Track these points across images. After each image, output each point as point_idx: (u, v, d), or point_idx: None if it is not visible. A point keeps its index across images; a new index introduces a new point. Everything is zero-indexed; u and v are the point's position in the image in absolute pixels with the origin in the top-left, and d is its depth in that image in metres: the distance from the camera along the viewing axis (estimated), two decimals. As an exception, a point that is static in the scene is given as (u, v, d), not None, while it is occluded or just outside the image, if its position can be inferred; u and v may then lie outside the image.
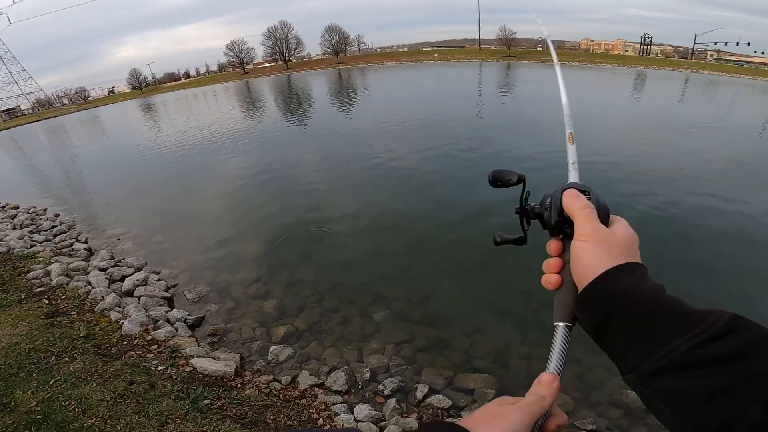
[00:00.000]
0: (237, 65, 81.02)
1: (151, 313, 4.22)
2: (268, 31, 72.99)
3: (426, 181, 7.73)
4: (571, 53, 64.19)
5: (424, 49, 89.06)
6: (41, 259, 5.64)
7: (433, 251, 5.28)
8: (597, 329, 0.44)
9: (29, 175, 15.36)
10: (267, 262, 5.45)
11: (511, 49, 62.73)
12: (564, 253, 0.50)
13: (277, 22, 76.64)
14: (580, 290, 0.46)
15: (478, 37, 74.35)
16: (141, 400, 2.73)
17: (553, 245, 0.51)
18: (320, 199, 7.49)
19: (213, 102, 36.39)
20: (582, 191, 0.51)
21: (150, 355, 3.46)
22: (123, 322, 3.90)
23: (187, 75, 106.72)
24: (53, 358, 3.23)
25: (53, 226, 7.62)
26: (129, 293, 4.73)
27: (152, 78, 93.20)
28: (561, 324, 0.48)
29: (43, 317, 3.92)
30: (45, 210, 8.89)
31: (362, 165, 9.16)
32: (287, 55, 74.40)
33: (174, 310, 4.39)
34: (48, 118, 63.01)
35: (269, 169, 9.79)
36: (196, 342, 3.81)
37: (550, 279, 0.50)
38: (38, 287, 4.70)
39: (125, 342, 3.67)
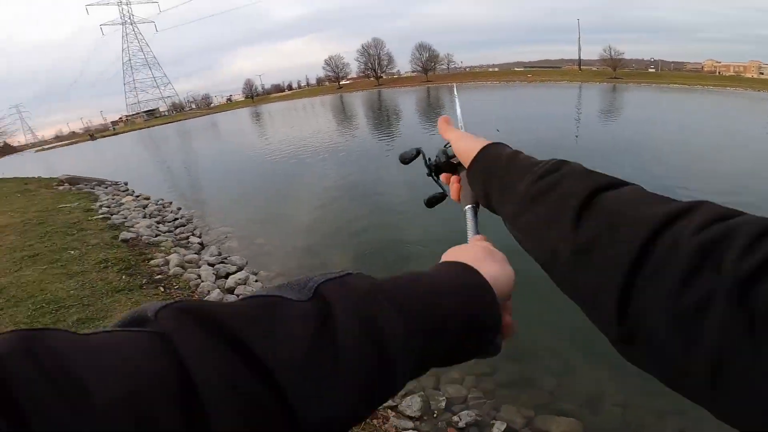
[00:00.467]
0: (333, 80, 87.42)
1: None
2: (362, 47, 77.60)
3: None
4: (693, 76, 56.29)
5: (516, 69, 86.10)
6: (163, 248, 6.45)
7: (524, 283, 4.80)
8: (485, 199, 0.54)
9: (160, 170, 18.21)
10: (356, 269, 5.53)
11: (618, 71, 57.03)
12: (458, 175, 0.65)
13: (371, 39, 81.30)
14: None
15: (577, 57, 69.46)
16: None
17: (451, 177, 0.67)
18: (408, 218, 7.45)
19: (311, 114, 39.60)
20: None
21: None
22: None
23: (290, 87, 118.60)
24: None
25: (175, 219, 8.79)
26: (230, 291, 5.11)
27: (262, 88, 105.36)
28: (467, 206, 0.61)
29: None
30: (171, 203, 10.35)
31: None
32: (379, 71, 78.03)
33: None
34: (179, 120, 74.94)
35: (362, 183, 10.12)
36: None
37: (454, 190, 0.65)
38: (157, 275, 5.32)
39: None
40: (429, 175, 0.68)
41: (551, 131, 14.22)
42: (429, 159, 0.68)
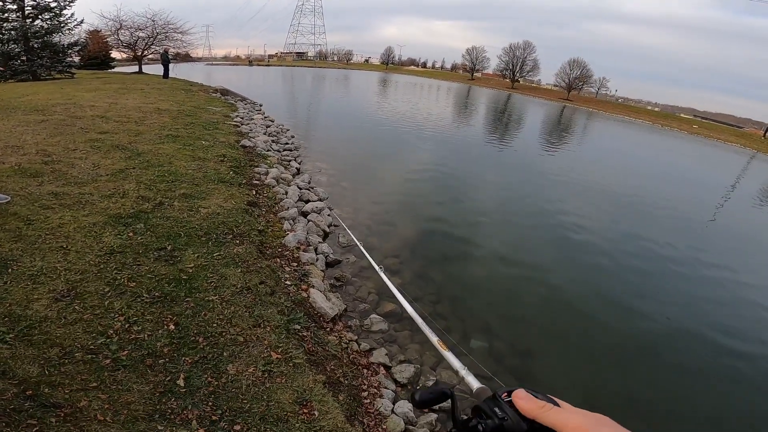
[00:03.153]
0: (467, 69, 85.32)
1: (309, 238, 4.98)
2: (510, 47, 73.61)
3: (598, 259, 6.62)
4: None
5: (683, 115, 73.37)
6: (269, 161, 7.52)
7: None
8: None
9: (290, 102, 20.45)
10: (413, 247, 5.82)
11: None
12: None
13: (522, 40, 76.43)
14: None
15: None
16: (257, 298, 3.19)
17: None
18: (483, 219, 7.43)
19: (434, 96, 39.70)
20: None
21: (288, 269, 4.02)
22: (288, 234, 4.72)
23: (424, 65, 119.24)
24: (230, 236, 4.01)
25: (286, 142, 10.06)
26: (305, 214, 5.83)
27: (398, 58, 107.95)
28: None
29: (245, 204, 4.99)
30: (288, 130, 11.81)
31: (544, 214, 8.42)
32: (518, 74, 73.75)
33: (324, 244, 5.09)
34: (320, 66, 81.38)
35: (452, 175, 10.17)
36: (323, 278, 4.31)
37: None
38: (255, 180, 6.25)
39: (279, 249, 4.35)
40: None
41: (688, 201, 12.20)
42: (461, 414, 0.49)
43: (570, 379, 3.82)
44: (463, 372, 0.58)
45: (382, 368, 3.33)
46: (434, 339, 0.70)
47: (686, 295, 5.74)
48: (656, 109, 79.15)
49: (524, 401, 0.45)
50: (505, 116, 29.60)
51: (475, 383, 0.53)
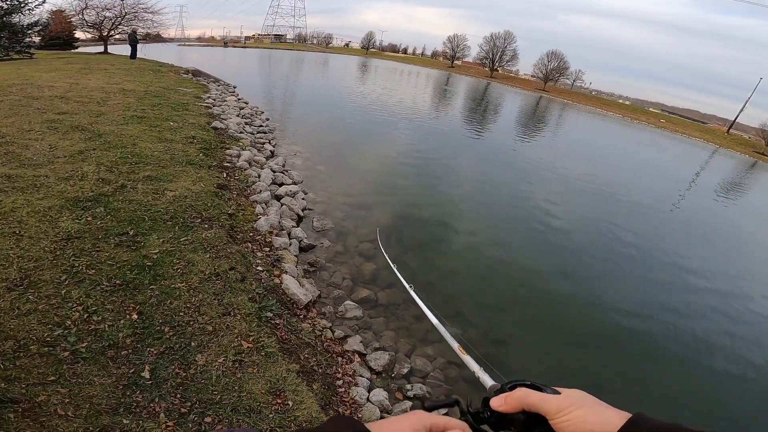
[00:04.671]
0: (447, 57, 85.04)
1: (282, 222, 4.85)
2: (491, 36, 73.79)
3: (567, 241, 6.84)
4: None
5: (651, 109, 76.25)
6: (241, 144, 7.25)
7: (537, 303, 4.73)
8: None
9: (266, 84, 19.74)
10: (388, 232, 5.79)
11: None
12: None
13: (503, 30, 76.71)
14: None
15: (732, 119, 58.71)
16: (227, 285, 3.06)
17: None
18: (459, 205, 7.49)
19: (413, 82, 39.39)
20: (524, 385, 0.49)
21: (259, 254, 3.88)
22: (260, 218, 4.57)
23: (405, 51, 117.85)
24: (199, 220, 3.84)
25: (260, 125, 9.73)
26: (278, 198, 5.68)
27: (379, 44, 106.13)
28: None
29: (214, 186, 4.78)
30: (263, 112, 11.42)
31: (516, 197, 8.67)
32: (497, 63, 74.20)
33: (298, 229, 4.97)
34: (299, 50, 78.84)
35: (429, 160, 10.18)
36: (296, 263, 4.19)
37: None
38: (226, 162, 6.01)
39: (251, 234, 4.21)
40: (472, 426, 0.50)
41: (649, 192, 12.75)
42: (473, 410, 0.53)
43: (541, 363, 3.95)
44: (479, 372, 0.69)
45: (356, 356, 3.31)
46: (455, 345, 0.78)
47: (648, 281, 6.04)
48: (627, 102, 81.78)
49: (497, 404, 0.49)
50: (483, 105, 29.81)
51: (489, 381, 0.61)
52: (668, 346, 4.49)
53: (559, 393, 0.47)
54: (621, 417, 0.41)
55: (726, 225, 10.86)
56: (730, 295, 6.13)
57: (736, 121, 57.37)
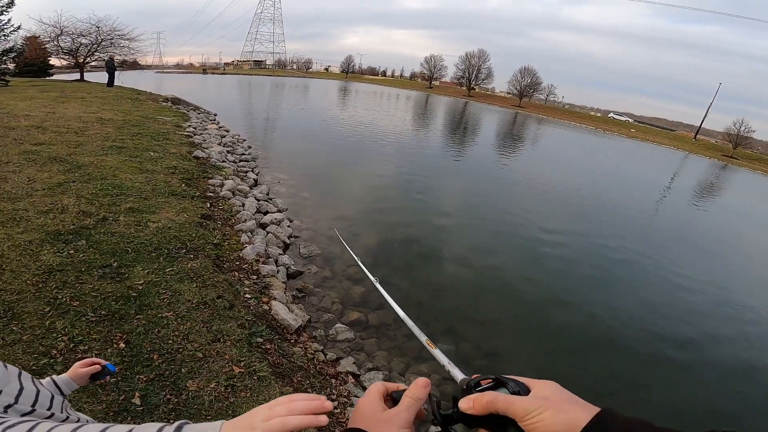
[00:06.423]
0: (426, 78, 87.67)
1: (269, 250, 4.87)
2: (466, 55, 76.59)
3: (550, 250, 7.05)
4: None
5: (621, 119, 79.87)
6: (224, 173, 7.28)
7: (530, 320, 4.83)
8: None
9: (247, 111, 19.92)
10: (375, 255, 5.86)
11: (738, 150, 48.95)
12: None
13: (477, 49, 79.79)
14: None
15: (698, 125, 61.90)
16: (215, 313, 3.07)
17: None
18: (447, 224, 7.63)
19: (394, 104, 40.37)
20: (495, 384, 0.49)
21: (247, 282, 3.89)
22: (246, 247, 4.56)
23: (384, 73, 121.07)
24: (184, 250, 3.84)
25: (242, 153, 9.77)
26: (263, 226, 5.70)
27: (358, 67, 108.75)
28: None
29: (199, 217, 4.79)
30: (245, 140, 11.49)
31: (501, 214, 8.89)
32: (474, 82, 76.80)
33: (285, 256, 4.99)
34: (278, 75, 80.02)
35: (412, 181, 10.36)
36: (285, 289, 4.19)
37: None
38: (209, 192, 6.02)
39: (237, 262, 4.21)
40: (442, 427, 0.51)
41: (626, 197, 13.29)
42: (442, 409, 0.52)
43: (536, 370, 4.02)
44: (449, 366, 0.65)
45: (350, 377, 3.32)
46: (423, 339, 0.78)
47: (634, 287, 6.25)
48: (598, 114, 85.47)
49: (466, 407, 0.48)
50: (462, 124, 30.69)
51: (459, 374, 0.58)
52: (660, 350, 4.64)
53: (528, 388, 0.47)
54: (588, 413, 0.42)
55: (710, 225, 11.39)
56: (718, 295, 6.41)
57: (702, 126, 60.76)
